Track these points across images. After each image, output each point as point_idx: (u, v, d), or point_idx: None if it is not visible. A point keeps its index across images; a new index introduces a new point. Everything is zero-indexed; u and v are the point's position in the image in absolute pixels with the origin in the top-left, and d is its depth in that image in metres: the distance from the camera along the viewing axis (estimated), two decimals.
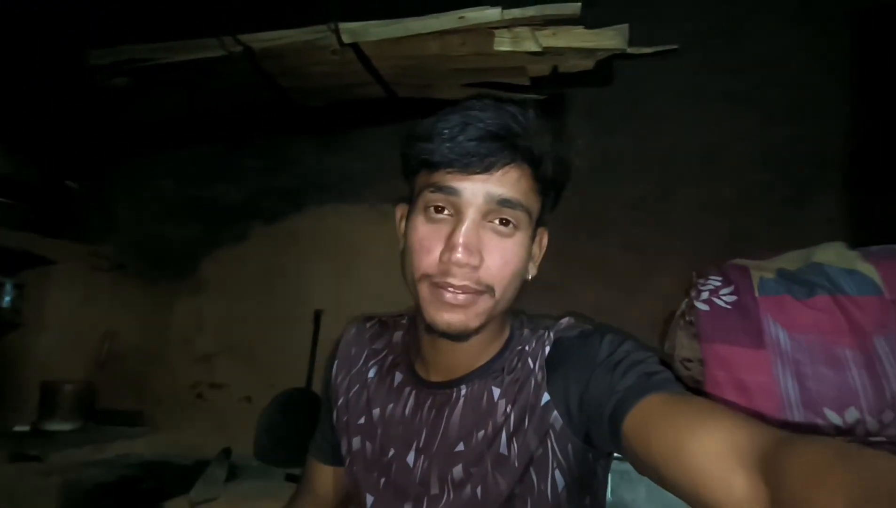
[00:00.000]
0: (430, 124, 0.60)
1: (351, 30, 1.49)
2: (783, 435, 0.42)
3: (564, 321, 0.68)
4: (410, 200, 0.65)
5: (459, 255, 0.58)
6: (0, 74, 1.68)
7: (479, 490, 0.62)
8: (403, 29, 1.48)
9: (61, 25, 1.71)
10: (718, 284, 1.07)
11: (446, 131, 0.59)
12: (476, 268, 0.59)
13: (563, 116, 1.69)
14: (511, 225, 0.61)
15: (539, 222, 0.66)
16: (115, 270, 2.11)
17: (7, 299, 1.90)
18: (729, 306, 1.04)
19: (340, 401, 0.78)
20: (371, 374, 0.77)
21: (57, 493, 1.36)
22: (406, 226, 0.65)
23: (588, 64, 1.57)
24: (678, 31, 1.57)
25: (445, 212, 0.60)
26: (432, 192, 0.60)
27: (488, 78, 1.65)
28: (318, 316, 1.85)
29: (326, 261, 1.90)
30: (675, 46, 1.54)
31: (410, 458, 0.68)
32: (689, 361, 1.06)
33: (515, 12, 1.45)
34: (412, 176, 0.65)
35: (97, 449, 1.65)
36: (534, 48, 1.49)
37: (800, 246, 1.17)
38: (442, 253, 0.59)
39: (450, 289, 0.59)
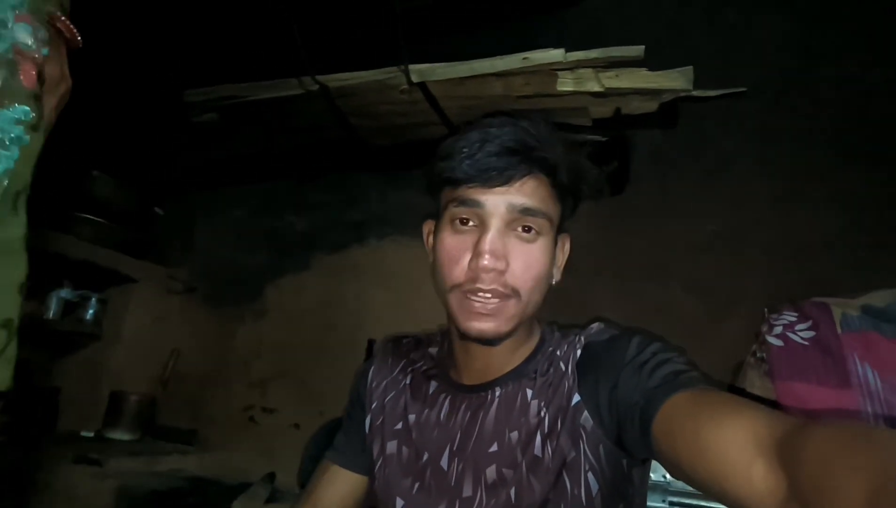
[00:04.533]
0: (451, 143, 0.66)
1: (419, 70, 1.58)
2: (801, 421, 0.41)
3: (594, 326, 0.70)
4: (437, 215, 0.71)
5: (486, 261, 0.61)
6: (108, 108, 1.90)
7: (512, 492, 0.62)
8: (469, 69, 1.55)
9: (163, 67, 1.92)
10: (793, 319, 0.99)
11: (466, 149, 0.63)
12: (502, 273, 0.62)
13: (626, 157, 1.67)
14: (533, 231, 0.64)
15: (560, 229, 0.69)
16: (187, 292, 2.24)
17: (91, 312, 2.05)
18: (806, 342, 0.95)
19: (375, 404, 0.79)
20: (407, 380, 0.79)
21: (112, 496, 1.40)
22: (434, 240, 0.70)
23: (651, 106, 1.57)
24: (747, 73, 1.54)
25: (470, 223, 0.65)
26: (456, 206, 0.65)
27: (550, 119, 1.68)
28: (370, 346, 1.87)
29: (383, 293, 1.93)
30: (743, 89, 1.52)
31: (444, 461, 0.68)
32: (760, 401, 0.96)
33: (579, 54, 1.48)
34: (437, 193, 0.70)
35: (152, 461, 1.71)
36: (596, 88, 1.51)
37: None
38: (470, 261, 0.63)
39: (479, 295, 0.63)
